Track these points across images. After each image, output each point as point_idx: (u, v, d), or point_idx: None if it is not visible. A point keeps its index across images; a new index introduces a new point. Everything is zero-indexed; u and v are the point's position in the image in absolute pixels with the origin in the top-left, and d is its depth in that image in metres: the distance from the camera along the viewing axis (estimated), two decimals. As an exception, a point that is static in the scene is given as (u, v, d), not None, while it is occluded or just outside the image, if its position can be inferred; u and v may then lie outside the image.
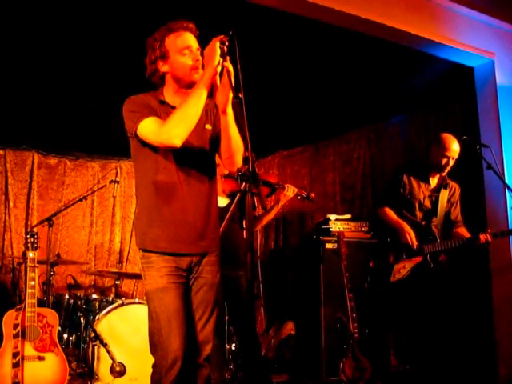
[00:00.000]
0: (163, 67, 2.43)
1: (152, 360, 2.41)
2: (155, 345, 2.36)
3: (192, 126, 2.28)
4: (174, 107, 2.39)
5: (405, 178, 4.03)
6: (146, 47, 2.48)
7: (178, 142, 2.25)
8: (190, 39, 2.42)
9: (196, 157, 2.46)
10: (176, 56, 2.39)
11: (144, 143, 2.36)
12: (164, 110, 2.41)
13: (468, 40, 4.54)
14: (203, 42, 2.35)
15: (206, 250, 2.48)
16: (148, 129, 2.31)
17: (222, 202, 3.70)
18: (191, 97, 2.27)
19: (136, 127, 2.32)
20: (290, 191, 3.95)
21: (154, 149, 2.37)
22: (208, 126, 2.51)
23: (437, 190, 4.05)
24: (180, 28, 2.42)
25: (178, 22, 2.44)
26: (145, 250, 2.42)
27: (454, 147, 3.91)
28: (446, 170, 3.99)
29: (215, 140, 2.50)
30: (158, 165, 2.39)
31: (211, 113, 2.53)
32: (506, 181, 4.19)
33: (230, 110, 2.32)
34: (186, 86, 2.42)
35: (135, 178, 2.56)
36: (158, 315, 2.35)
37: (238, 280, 3.69)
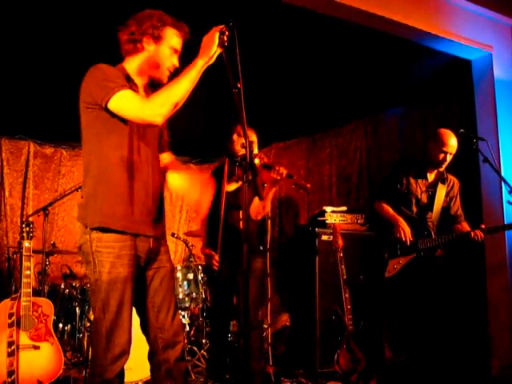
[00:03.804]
0: (149, 46, 2.38)
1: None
2: (100, 336, 2.24)
3: (176, 107, 2.23)
4: (136, 85, 2.39)
5: (402, 174, 4.02)
6: (142, 14, 2.40)
7: (160, 120, 2.22)
8: (180, 45, 2.45)
9: (155, 141, 2.49)
10: (165, 48, 2.39)
11: (113, 116, 2.25)
12: (130, 87, 2.31)
13: (466, 33, 4.52)
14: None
15: (160, 235, 2.44)
16: (127, 102, 2.21)
17: None
18: (182, 80, 2.22)
19: (109, 98, 2.20)
20: (276, 173, 3.23)
21: (123, 124, 2.29)
22: None
23: (434, 185, 4.04)
24: (182, 31, 2.43)
25: (182, 23, 2.44)
26: (99, 229, 2.24)
27: (452, 142, 3.89)
28: (444, 166, 3.97)
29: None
30: (123, 141, 2.31)
31: None
32: (503, 174, 4.18)
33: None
34: (150, 76, 2.44)
35: (86, 154, 2.36)
36: (108, 305, 2.22)
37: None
